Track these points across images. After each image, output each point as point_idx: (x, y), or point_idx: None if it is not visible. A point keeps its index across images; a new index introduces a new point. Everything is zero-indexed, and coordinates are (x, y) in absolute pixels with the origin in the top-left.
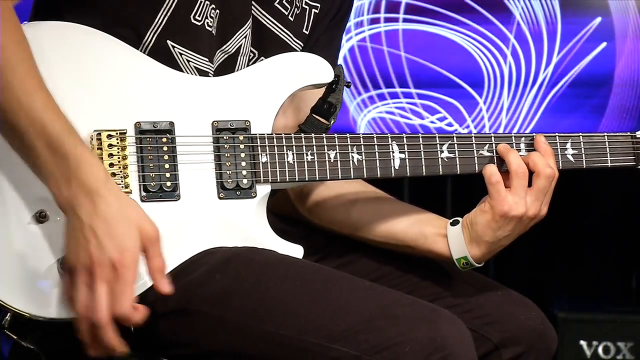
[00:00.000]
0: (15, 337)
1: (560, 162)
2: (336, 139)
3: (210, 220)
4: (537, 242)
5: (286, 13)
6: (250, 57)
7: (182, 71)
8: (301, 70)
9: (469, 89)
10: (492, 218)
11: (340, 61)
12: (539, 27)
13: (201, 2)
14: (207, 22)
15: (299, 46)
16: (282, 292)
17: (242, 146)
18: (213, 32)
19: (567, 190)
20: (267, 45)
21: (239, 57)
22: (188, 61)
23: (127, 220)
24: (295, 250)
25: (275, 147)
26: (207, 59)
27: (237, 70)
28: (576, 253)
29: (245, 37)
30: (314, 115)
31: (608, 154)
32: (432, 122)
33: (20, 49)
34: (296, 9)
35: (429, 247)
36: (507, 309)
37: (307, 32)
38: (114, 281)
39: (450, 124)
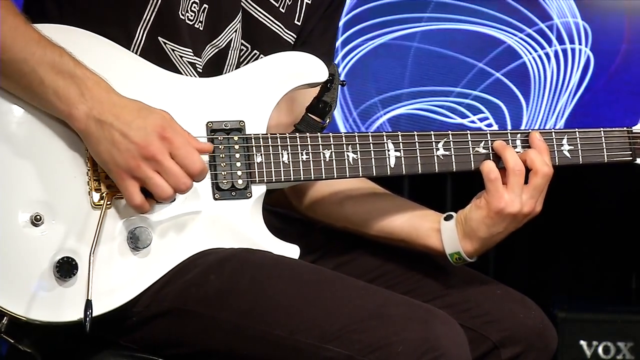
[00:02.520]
0: (12, 341)
1: (557, 157)
2: (331, 138)
3: (206, 221)
4: (538, 242)
5: (277, 5)
6: (242, 51)
7: (177, 67)
8: (296, 70)
9: (514, 89)
10: (487, 214)
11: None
12: (570, 27)
13: None
14: (188, 17)
15: (291, 37)
16: (276, 293)
17: (236, 147)
18: (197, 26)
19: (568, 190)
20: (258, 38)
21: (230, 52)
22: (181, 57)
23: (147, 108)
24: (292, 251)
25: (270, 147)
26: (194, 53)
27: (228, 64)
28: (576, 253)
29: (236, 31)
30: (309, 115)
31: (604, 149)
32: (472, 122)
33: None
34: (287, 1)
35: (423, 241)
36: (507, 308)
37: (299, 23)
38: (173, 148)
39: (490, 125)
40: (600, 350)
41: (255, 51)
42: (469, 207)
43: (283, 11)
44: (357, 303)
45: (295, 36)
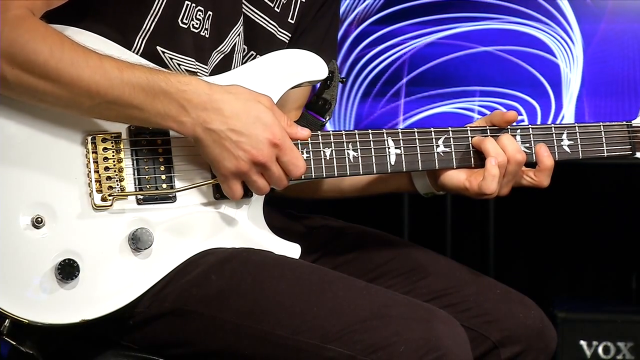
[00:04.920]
0: (14, 343)
1: (557, 153)
2: (331, 136)
3: (207, 221)
4: (537, 242)
5: (272, 5)
6: (243, 53)
7: None
8: (295, 68)
9: (549, 89)
10: (464, 187)
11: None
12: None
13: (188, 4)
14: (193, 24)
15: (285, 37)
16: (278, 293)
17: None
18: (203, 34)
19: (568, 190)
20: (255, 39)
21: (234, 55)
22: (179, 65)
23: (251, 103)
24: (293, 249)
25: None
26: (198, 62)
27: (233, 68)
28: (576, 253)
29: (239, 34)
30: (309, 112)
31: (604, 144)
32: None
33: (63, 43)
34: (283, 0)
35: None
36: (506, 308)
37: (292, 22)
38: (281, 154)
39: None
40: (600, 350)
41: (252, 52)
42: (452, 171)
43: (278, 11)
44: (359, 303)
45: (289, 35)
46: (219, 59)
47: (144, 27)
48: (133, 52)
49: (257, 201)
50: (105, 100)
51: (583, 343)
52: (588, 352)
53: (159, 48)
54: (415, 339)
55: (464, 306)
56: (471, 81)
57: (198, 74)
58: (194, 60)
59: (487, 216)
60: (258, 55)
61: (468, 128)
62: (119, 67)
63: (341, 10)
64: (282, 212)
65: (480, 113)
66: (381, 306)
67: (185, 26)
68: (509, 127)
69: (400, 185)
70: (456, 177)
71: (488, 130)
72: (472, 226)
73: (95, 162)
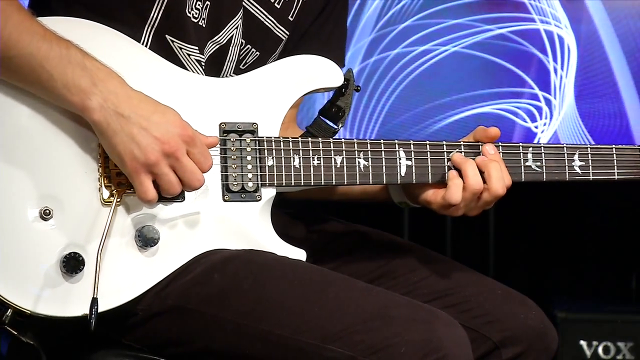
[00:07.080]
0: (16, 333)
1: (567, 173)
2: (343, 144)
3: (214, 222)
4: (537, 242)
5: (272, 0)
6: (241, 47)
7: (184, 65)
8: (311, 74)
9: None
10: (434, 203)
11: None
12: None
13: None
14: (193, 14)
15: (282, 33)
16: (279, 292)
17: (248, 149)
18: (200, 23)
19: (567, 191)
20: (252, 33)
21: (230, 48)
22: (188, 55)
23: (160, 105)
24: (299, 254)
25: (282, 150)
26: (199, 52)
27: (228, 61)
28: (576, 253)
29: (237, 27)
30: (322, 118)
31: (615, 167)
32: (536, 126)
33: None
34: None
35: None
36: (507, 308)
37: (292, 19)
38: (190, 145)
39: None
40: (600, 350)
41: (248, 46)
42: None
43: (278, 7)
44: (359, 304)
45: (287, 32)
46: (214, 49)
47: (151, 17)
48: (142, 42)
49: (266, 205)
50: (20, 54)
51: (583, 343)
52: (588, 352)
53: (167, 37)
54: (416, 340)
55: (465, 306)
56: (508, 82)
57: (202, 63)
58: (197, 49)
59: (487, 216)
60: (253, 49)
61: (480, 144)
62: (46, 31)
63: (374, 11)
64: (283, 212)
65: (526, 111)
66: (382, 307)
67: (189, 15)
68: (520, 144)
69: (377, 195)
70: (425, 191)
71: (500, 146)
72: (472, 226)
73: (106, 157)
